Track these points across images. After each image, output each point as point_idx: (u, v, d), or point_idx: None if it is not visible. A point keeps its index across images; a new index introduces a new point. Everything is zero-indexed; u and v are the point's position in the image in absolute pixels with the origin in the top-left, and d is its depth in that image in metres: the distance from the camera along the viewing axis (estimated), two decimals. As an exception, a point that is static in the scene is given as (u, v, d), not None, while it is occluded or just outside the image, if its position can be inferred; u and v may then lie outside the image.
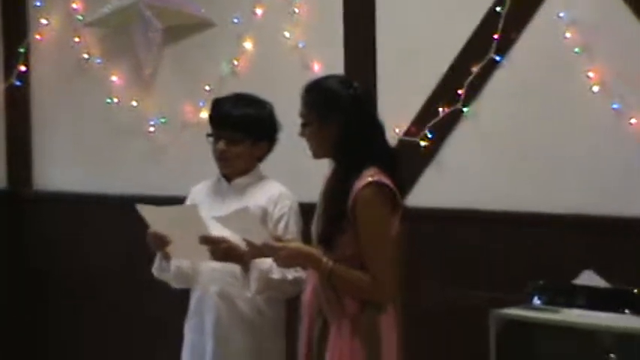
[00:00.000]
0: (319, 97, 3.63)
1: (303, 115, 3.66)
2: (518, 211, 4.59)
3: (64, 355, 6.21)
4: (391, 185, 3.54)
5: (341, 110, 3.59)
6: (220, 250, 3.85)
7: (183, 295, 4.23)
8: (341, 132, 3.58)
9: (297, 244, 3.69)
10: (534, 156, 4.57)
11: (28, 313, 6.33)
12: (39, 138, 6.28)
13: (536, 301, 4.27)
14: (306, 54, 5.15)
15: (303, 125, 3.66)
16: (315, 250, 3.60)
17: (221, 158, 4.08)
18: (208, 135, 4.12)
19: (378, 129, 3.67)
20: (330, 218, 3.61)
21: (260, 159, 4.15)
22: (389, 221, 3.58)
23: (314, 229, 3.72)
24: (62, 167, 6.20)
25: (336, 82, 3.69)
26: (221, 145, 4.05)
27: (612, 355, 3.95)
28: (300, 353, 3.72)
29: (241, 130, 4.03)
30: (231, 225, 3.74)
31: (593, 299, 4.15)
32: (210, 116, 4.15)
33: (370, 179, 3.52)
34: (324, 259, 3.55)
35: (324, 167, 3.74)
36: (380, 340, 3.59)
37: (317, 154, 3.69)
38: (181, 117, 5.60)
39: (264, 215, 4.00)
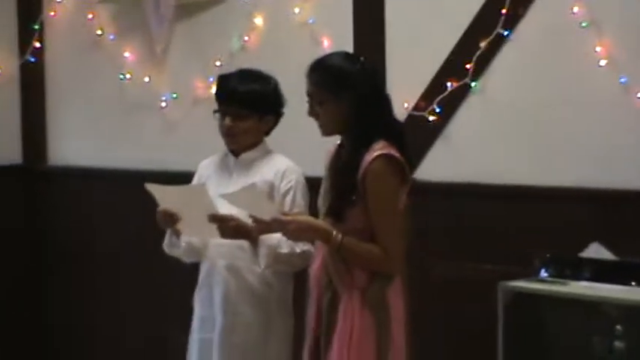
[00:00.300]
0: (329, 75, 3.65)
1: (313, 94, 3.68)
2: (526, 185, 4.60)
3: (77, 329, 6.27)
4: (400, 158, 3.59)
5: (352, 86, 3.62)
6: (229, 227, 3.89)
7: (194, 270, 4.27)
8: (352, 108, 3.62)
9: (306, 218, 3.72)
10: (542, 130, 4.58)
11: (43, 286, 6.38)
12: (53, 113, 6.32)
13: (544, 273, 4.29)
14: (315, 30, 5.16)
15: (313, 104, 3.69)
16: (324, 223, 3.64)
17: (228, 134, 4.11)
18: (215, 111, 4.16)
19: (386, 102, 3.72)
20: (340, 191, 3.65)
21: (266, 133, 4.19)
22: (398, 193, 3.62)
23: (321, 202, 3.76)
24: (76, 142, 6.25)
25: (342, 58, 3.72)
26: (228, 121, 4.09)
27: (618, 327, 3.95)
28: (309, 326, 3.77)
29: (247, 106, 4.07)
30: (238, 202, 3.78)
31: (600, 272, 4.17)
32: (216, 93, 4.19)
33: (380, 152, 3.56)
34: (334, 232, 3.59)
35: (329, 142, 3.80)
36: (388, 310, 3.64)
37: (328, 132, 3.72)
38: (192, 92, 5.63)
39: (271, 189, 4.05)
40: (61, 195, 6.31)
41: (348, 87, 3.62)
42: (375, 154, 3.57)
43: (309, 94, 3.69)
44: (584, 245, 4.30)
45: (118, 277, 6.05)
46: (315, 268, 3.76)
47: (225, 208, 3.89)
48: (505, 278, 4.29)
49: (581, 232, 4.38)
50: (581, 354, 4.05)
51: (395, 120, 3.74)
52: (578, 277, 4.20)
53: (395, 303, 3.65)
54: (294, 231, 3.65)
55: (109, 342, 6.11)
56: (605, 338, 3.97)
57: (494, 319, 4.24)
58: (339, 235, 3.58)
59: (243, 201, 3.77)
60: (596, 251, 4.27)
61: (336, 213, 3.63)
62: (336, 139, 3.80)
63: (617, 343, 3.94)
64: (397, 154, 3.58)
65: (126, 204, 5.91)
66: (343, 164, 3.67)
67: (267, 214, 3.69)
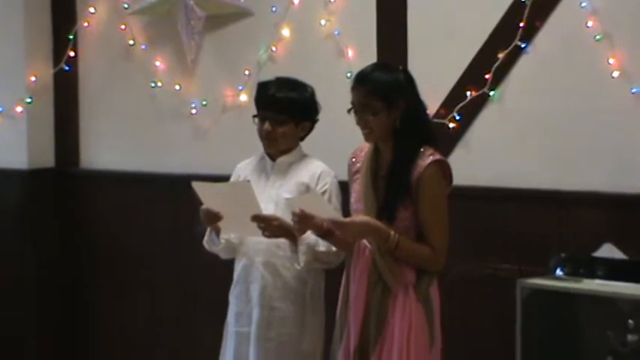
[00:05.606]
0: (383, 86, 3.82)
1: (366, 105, 3.81)
2: (541, 189, 4.72)
3: (109, 332, 6.33)
4: (448, 163, 3.80)
5: (403, 95, 3.81)
6: (272, 226, 4.05)
7: (227, 271, 4.39)
8: (403, 115, 3.80)
9: (365, 218, 3.80)
10: (556, 137, 4.70)
11: (75, 290, 6.45)
12: (86, 119, 6.36)
13: (559, 272, 4.40)
14: (340, 41, 5.25)
15: (363, 114, 3.82)
16: (381, 224, 3.76)
17: (267, 138, 4.26)
18: (254, 116, 4.31)
19: (425, 108, 3.94)
20: (394, 194, 3.79)
21: (302, 138, 4.33)
22: (447, 196, 3.83)
23: (358, 204, 3.89)
24: (108, 147, 6.29)
25: (388, 70, 3.90)
26: (267, 126, 4.23)
27: (631, 321, 4.07)
28: (355, 318, 3.86)
29: (286, 112, 4.22)
30: (298, 205, 3.89)
31: (612, 270, 4.29)
32: (256, 99, 4.32)
33: (433, 158, 3.77)
34: (392, 232, 3.74)
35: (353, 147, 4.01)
36: (432, 306, 3.83)
37: (376, 139, 3.87)
38: (222, 100, 5.70)
39: (307, 191, 4.17)
40: (93, 198, 6.35)
41: (400, 96, 3.80)
42: (429, 160, 3.76)
43: (362, 105, 3.82)
44: (596, 246, 4.43)
45: (149, 278, 6.09)
46: (363, 262, 3.87)
47: (264, 207, 4.06)
48: (522, 277, 4.41)
49: (594, 234, 4.50)
50: (595, 347, 4.16)
51: (432, 125, 3.96)
52: (591, 275, 4.32)
53: (435, 297, 3.86)
54: (355, 232, 3.78)
55: (145, 340, 6.16)
56: (618, 332, 4.10)
57: (512, 314, 4.37)
58: (397, 235, 3.74)
59: (303, 205, 3.89)
60: (608, 251, 4.40)
61: (389, 213, 3.78)
62: (354, 145, 3.99)
63: (630, 337, 4.07)
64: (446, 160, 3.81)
65: (157, 207, 5.99)
66: (395, 169, 3.82)
67: (325, 215, 3.82)
